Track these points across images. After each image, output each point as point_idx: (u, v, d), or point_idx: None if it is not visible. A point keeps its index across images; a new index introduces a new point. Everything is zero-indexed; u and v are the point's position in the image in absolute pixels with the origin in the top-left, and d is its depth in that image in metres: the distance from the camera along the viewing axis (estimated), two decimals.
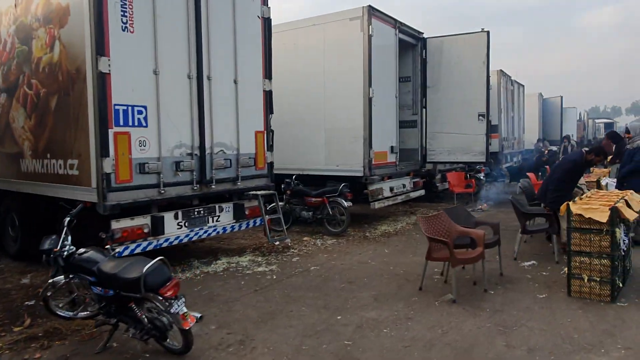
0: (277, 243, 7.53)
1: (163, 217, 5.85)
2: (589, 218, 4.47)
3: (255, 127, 7.10)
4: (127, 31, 5.42)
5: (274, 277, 5.89)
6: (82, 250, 3.95)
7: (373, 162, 8.76)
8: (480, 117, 10.28)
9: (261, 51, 7.14)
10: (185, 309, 3.47)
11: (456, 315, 4.40)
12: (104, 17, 5.18)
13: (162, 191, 5.80)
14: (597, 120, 44.33)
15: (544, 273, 5.64)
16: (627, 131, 7.47)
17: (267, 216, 7.13)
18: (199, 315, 3.61)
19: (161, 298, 3.43)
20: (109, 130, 5.28)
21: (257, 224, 7.18)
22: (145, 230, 5.70)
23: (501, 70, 18.12)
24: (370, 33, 8.52)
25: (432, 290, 5.17)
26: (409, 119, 11.04)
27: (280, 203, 8.99)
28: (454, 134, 10.60)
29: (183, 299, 3.49)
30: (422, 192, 10.74)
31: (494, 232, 5.59)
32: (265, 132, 7.26)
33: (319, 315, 4.54)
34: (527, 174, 10.63)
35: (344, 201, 8.39)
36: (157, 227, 5.79)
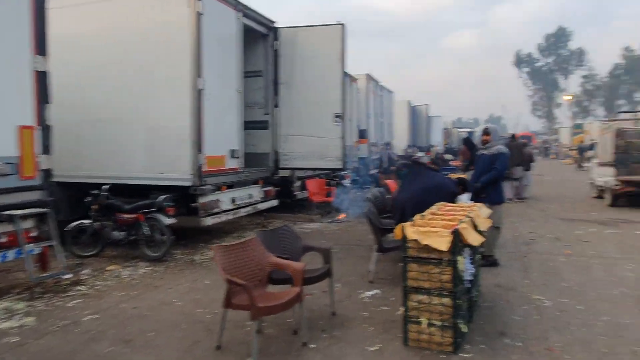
0: (66, 275, 5.60)
1: None
2: (426, 245, 3.41)
3: (17, 120, 5.10)
4: None
5: (17, 340, 3.99)
6: None
7: (205, 169, 7.18)
8: (337, 119, 9.29)
9: (29, 17, 5.17)
10: None
11: None
12: None
13: None
14: (460, 129, 48.02)
15: (385, 308, 4.55)
16: (486, 132, 6.61)
17: (29, 245, 5.14)
18: None
19: None
20: None
21: (21, 255, 5.15)
22: None
23: (369, 74, 17.78)
24: (199, 10, 6.93)
25: (236, 347, 3.74)
26: (261, 119, 9.68)
27: (86, 221, 7.06)
28: (309, 137, 9.47)
29: None
30: (274, 202, 9.42)
31: (324, 261, 4.37)
32: (39, 128, 5.29)
33: None
34: (386, 181, 9.95)
35: (164, 217, 6.68)
36: None
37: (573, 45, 66.94)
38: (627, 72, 62.93)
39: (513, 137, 14.37)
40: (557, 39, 67.43)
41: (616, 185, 10.89)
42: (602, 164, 12.00)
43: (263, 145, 9.65)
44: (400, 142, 23.52)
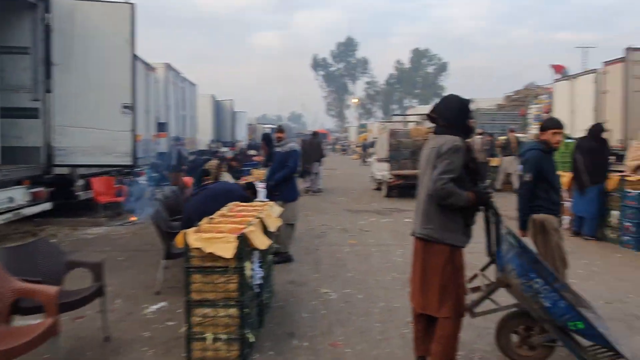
0: None
1: None
2: (211, 253, 3.15)
3: None
4: None
5: None
6: None
7: None
8: (125, 110, 8.31)
9: None
10: None
11: None
12: None
13: None
14: (264, 125, 49.53)
15: (170, 323, 4.13)
16: (280, 130, 6.59)
17: None
18: None
19: None
20: None
21: None
22: None
23: (168, 64, 16.69)
24: None
25: None
26: (28, 105, 8.05)
27: None
28: (93, 129, 8.26)
29: None
30: (46, 205, 7.92)
31: (94, 278, 3.71)
32: None
33: None
34: (184, 179, 9.38)
35: None
36: None
37: (359, 54, 76.15)
38: (398, 81, 74.68)
39: (315, 134, 15.27)
40: (347, 48, 75.64)
41: (390, 178, 12.52)
42: (379, 160, 13.67)
43: (32, 137, 8.07)
44: (204, 136, 22.89)
